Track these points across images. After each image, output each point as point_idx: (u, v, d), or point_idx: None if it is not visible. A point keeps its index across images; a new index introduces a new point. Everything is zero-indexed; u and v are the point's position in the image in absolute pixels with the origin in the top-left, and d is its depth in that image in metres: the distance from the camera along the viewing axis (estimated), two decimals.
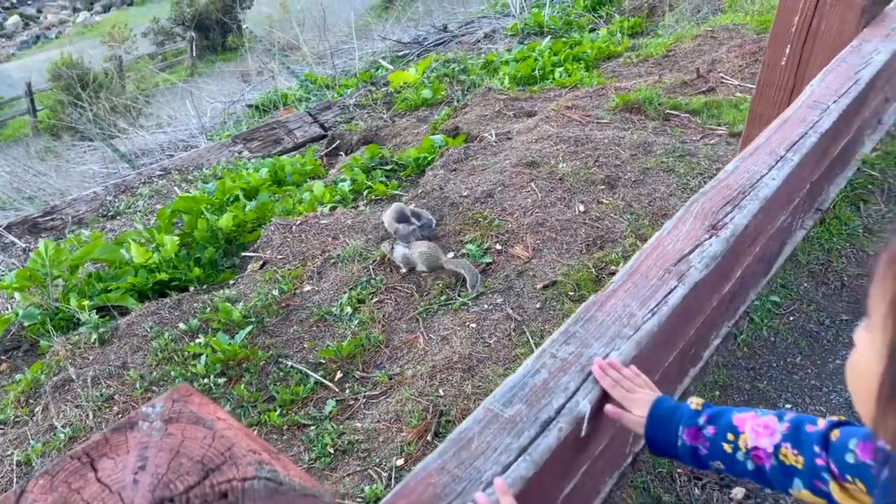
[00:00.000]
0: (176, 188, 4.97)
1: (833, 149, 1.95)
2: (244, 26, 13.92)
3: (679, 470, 1.80)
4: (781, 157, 1.56)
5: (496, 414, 0.96)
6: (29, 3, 27.41)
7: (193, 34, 17.90)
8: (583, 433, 1.01)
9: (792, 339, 2.21)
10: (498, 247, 2.94)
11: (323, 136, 6.06)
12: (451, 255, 2.92)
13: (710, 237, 1.31)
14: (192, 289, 3.15)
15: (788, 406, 2.00)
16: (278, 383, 2.43)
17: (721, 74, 4.82)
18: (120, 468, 0.69)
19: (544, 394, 1.00)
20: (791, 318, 2.30)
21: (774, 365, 2.13)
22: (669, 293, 1.18)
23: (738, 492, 1.75)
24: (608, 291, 1.18)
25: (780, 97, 2.31)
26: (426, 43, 8.93)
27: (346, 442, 2.13)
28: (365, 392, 2.34)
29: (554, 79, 5.58)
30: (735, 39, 5.67)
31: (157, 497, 0.65)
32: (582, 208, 3.10)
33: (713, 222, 1.34)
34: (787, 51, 2.43)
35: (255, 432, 2.06)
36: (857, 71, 1.96)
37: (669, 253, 1.27)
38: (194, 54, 17.57)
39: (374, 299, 2.75)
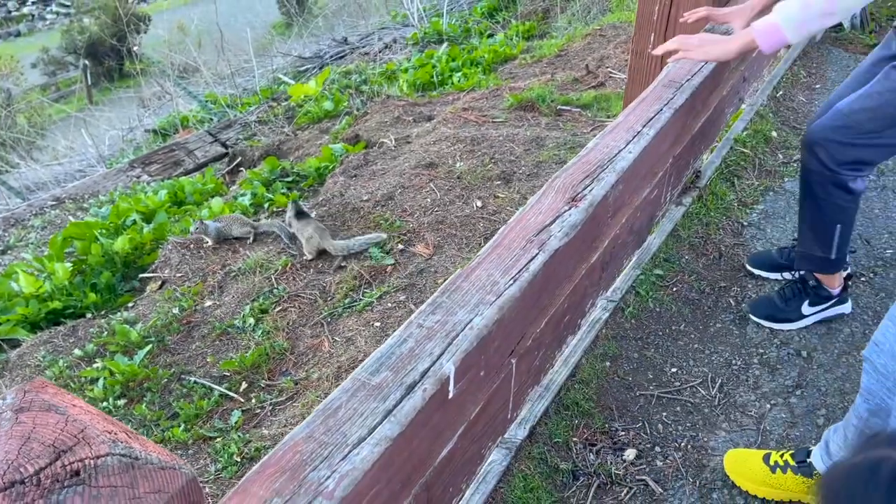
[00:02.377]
0: (70, 217, 4.80)
1: (693, 124, 2.09)
2: (135, 49, 13.51)
3: (575, 438, 1.88)
4: (638, 133, 1.66)
5: (363, 382, 1.00)
6: None
7: (86, 62, 17.25)
8: (450, 394, 1.05)
9: (676, 308, 2.34)
10: (400, 247, 2.98)
11: (225, 155, 5.97)
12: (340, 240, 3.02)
13: (570, 208, 1.38)
14: (88, 315, 3.05)
15: (674, 370, 2.12)
16: (182, 399, 2.38)
17: (609, 69, 5.04)
18: None
19: (410, 360, 1.04)
20: (674, 289, 2.43)
21: (660, 333, 2.25)
22: (531, 261, 1.24)
23: (630, 453, 1.84)
24: (474, 264, 1.23)
25: (648, 81, 2.45)
26: (326, 56, 8.93)
27: (254, 449, 2.11)
28: (271, 399, 2.33)
29: (452, 83, 5.70)
30: (621, 36, 5.94)
31: (8, 481, 0.65)
32: (479, 204, 3.18)
33: (573, 195, 1.42)
34: (652, 38, 2.58)
35: None
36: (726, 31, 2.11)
37: (532, 225, 1.33)
38: (89, 83, 16.92)
39: (278, 308, 2.74)
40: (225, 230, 3.22)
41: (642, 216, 1.85)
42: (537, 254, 1.26)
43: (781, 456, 1.68)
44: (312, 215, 3.13)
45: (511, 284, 1.19)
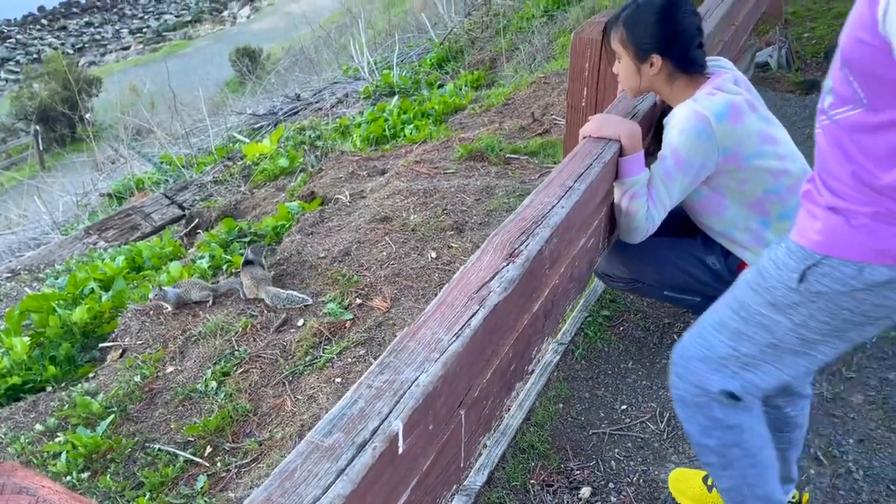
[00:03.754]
0: (26, 289, 4.76)
1: None
2: (87, 116, 13.50)
3: (532, 481, 1.95)
4: (570, 188, 1.78)
5: (317, 444, 1.07)
6: None
7: (38, 128, 17.13)
8: (400, 450, 1.13)
9: (623, 347, 2.46)
10: (358, 301, 3.06)
11: (182, 217, 5.99)
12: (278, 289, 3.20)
13: (508, 264, 1.48)
14: (48, 388, 3.04)
15: (624, 407, 2.22)
16: (146, 468, 2.39)
17: (554, 116, 5.25)
18: None
19: (360, 420, 1.11)
20: (621, 328, 2.55)
21: (610, 372, 2.35)
22: (472, 317, 1.33)
23: (585, 491, 1.92)
24: (419, 322, 1.32)
25: None
26: (280, 113, 9.06)
27: None
28: (236, 462, 2.36)
29: (405, 136, 5.85)
30: (565, 83, 6.17)
31: None
32: (434, 255, 3.29)
33: (510, 251, 1.53)
34: (584, 92, 2.75)
35: None
36: (635, 106, 2.26)
37: (472, 282, 1.43)
38: (41, 148, 16.78)
39: (240, 370, 2.78)
40: (184, 295, 3.26)
41: (581, 264, 1.97)
42: (478, 310, 1.36)
43: None
44: (262, 261, 3.34)
45: (454, 341, 1.28)
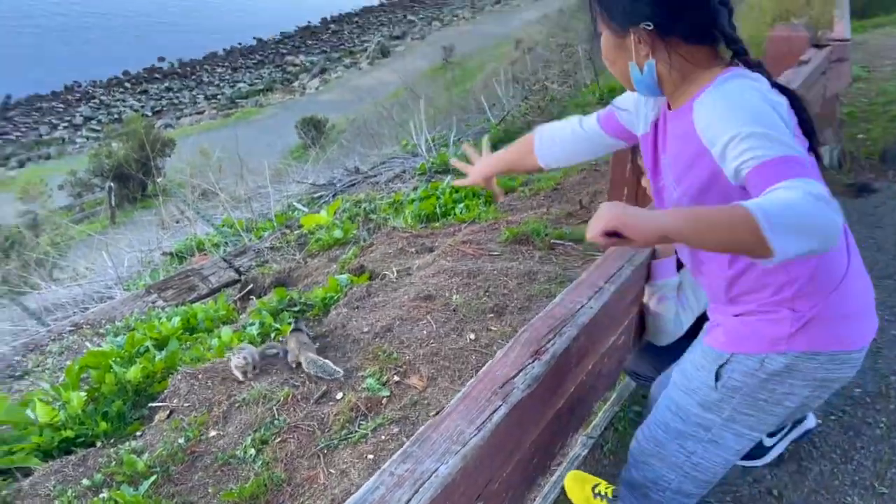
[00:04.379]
0: (87, 343, 5.01)
1: None
2: (158, 180, 14.24)
3: None
4: (600, 289, 1.86)
5: None
6: None
7: (112, 184, 18.10)
8: None
9: None
10: (396, 378, 3.14)
11: (237, 281, 6.24)
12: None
13: (534, 361, 1.56)
14: (98, 443, 3.18)
15: None
16: None
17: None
18: None
19: None
20: None
21: None
22: (494, 412, 1.41)
23: None
24: (443, 415, 1.40)
25: None
26: (339, 185, 9.41)
27: None
28: None
29: (455, 214, 6.02)
30: None
31: None
32: (473, 337, 3.37)
33: (537, 348, 1.61)
34: (625, 191, 2.85)
35: None
36: None
37: (498, 377, 1.51)
38: (113, 204, 17.70)
39: (278, 439, 2.88)
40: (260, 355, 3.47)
41: (610, 361, 2.03)
42: (501, 405, 1.43)
43: (607, 487, 2.08)
44: (308, 332, 3.53)
45: (475, 434, 1.36)
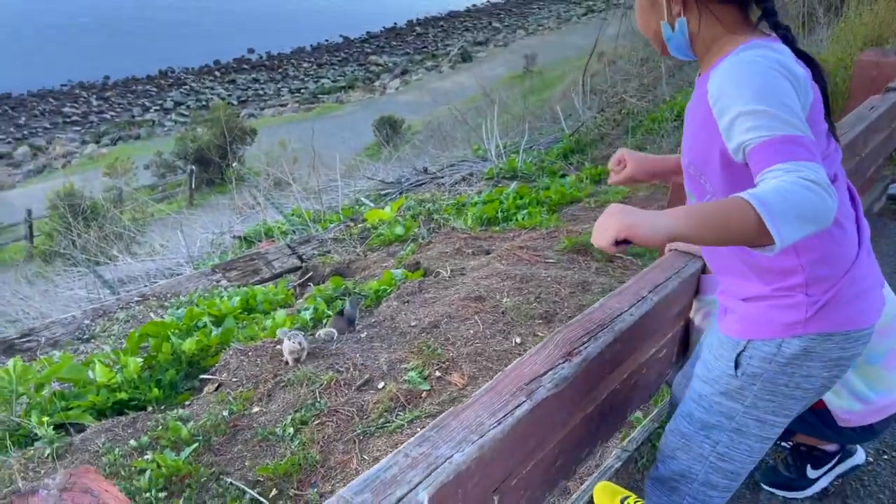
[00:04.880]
0: (151, 314, 5.22)
1: None
2: (234, 164, 14.71)
3: None
4: (643, 298, 1.83)
5: (347, 500, 1.17)
6: (39, 134, 28.82)
7: (193, 167, 18.80)
8: None
9: None
10: (437, 374, 3.16)
11: (299, 268, 6.38)
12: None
13: (565, 362, 1.55)
14: (149, 408, 3.31)
15: None
16: (216, 499, 2.56)
17: None
18: None
19: (391, 485, 1.20)
20: None
21: None
22: (517, 407, 1.40)
23: None
24: (466, 404, 1.40)
25: None
26: (406, 183, 9.51)
27: None
28: None
29: (516, 220, 5.99)
30: None
31: None
32: (518, 340, 3.35)
33: (569, 350, 1.59)
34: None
35: None
36: None
37: (526, 374, 1.50)
38: (192, 186, 18.37)
39: (317, 421, 2.93)
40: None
41: (649, 373, 1.98)
42: (524, 401, 1.42)
43: (636, 501, 2.08)
44: (356, 314, 3.71)
45: (495, 426, 1.35)
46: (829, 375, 1.47)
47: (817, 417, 1.94)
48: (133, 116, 31.20)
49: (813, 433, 2.04)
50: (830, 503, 2.19)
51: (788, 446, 2.26)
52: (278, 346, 3.45)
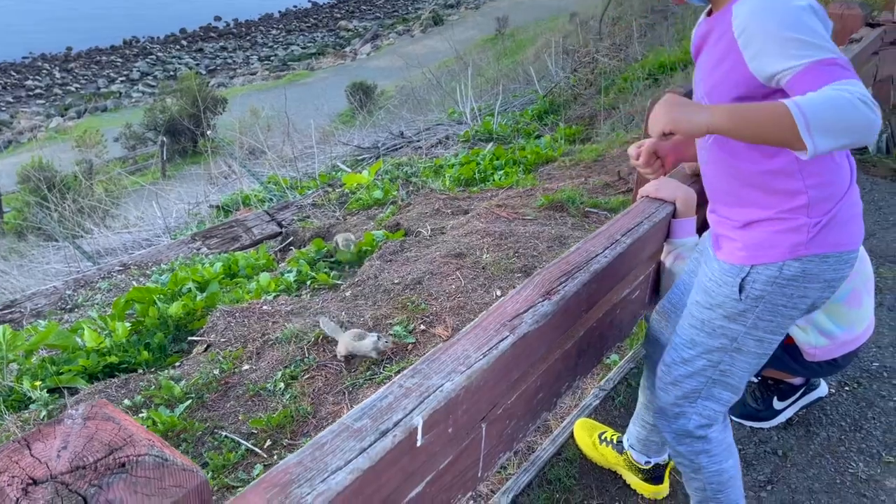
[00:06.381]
0: (134, 282, 5.24)
1: None
2: (208, 133, 14.54)
3: None
4: (616, 241, 1.93)
5: (347, 426, 1.26)
6: (2, 108, 28.13)
7: (164, 139, 18.55)
8: (418, 443, 1.30)
9: None
10: (422, 327, 3.26)
11: (279, 234, 6.42)
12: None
13: (544, 300, 1.65)
14: (140, 370, 3.38)
15: None
16: (212, 451, 2.65)
17: None
18: (48, 448, 0.99)
19: (387, 411, 1.30)
20: None
21: None
22: (501, 341, 1.50)
23: None
24: (454, 340, 1.50)
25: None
26: (383, 148, 9.52)
27: None
28: None
29: (493, 180, 6.08)
30: None
31: (75, 465, 0.95)
32: (499, 293, 3.45)
33: (548, 289, 1.69)
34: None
35: None
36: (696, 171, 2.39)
37: (508, 312, 1.60)
38: (165, 158, 18.14)
39: (307, 376, 3.03)
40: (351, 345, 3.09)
41: (623, 313, 2.09)
42: (508, 336, 1.52)
43: (613, 434, 2.24)
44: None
45: (481, 359, 1.45)
46: (820, 296, 1.57)
47: (786, 352, 2.07)
48: (98, 88, 30.52)
49: (782, 367, 2.17)
50: (794, 431, 2.35)
51: (757, 380, 2.39)
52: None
